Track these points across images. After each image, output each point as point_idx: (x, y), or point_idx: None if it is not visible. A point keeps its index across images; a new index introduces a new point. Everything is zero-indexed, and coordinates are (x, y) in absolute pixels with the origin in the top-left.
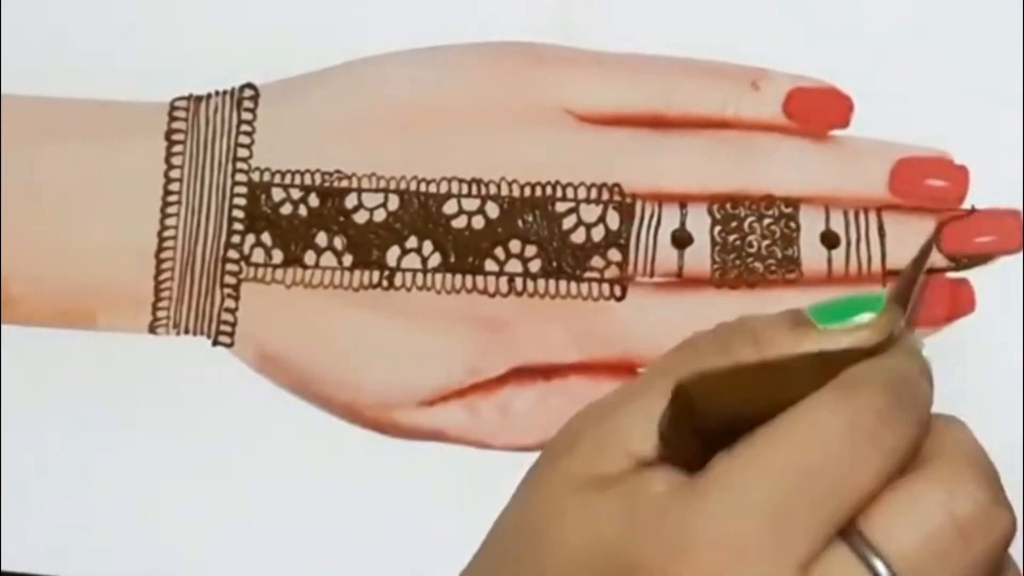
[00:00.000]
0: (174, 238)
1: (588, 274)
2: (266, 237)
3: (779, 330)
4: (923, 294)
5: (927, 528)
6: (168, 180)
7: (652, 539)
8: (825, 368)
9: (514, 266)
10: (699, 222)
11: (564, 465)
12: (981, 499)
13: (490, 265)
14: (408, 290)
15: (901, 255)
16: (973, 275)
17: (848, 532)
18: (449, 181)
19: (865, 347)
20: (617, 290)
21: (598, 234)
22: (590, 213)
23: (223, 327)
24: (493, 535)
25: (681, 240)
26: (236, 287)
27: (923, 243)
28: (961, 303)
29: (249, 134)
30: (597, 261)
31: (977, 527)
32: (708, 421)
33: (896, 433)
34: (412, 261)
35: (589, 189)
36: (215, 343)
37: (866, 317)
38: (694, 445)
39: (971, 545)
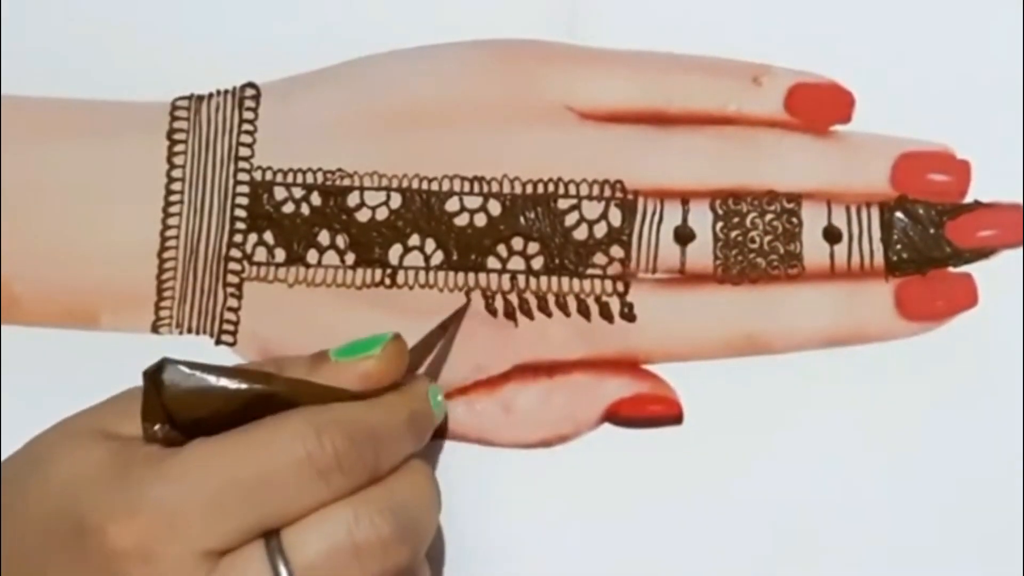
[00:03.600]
0: (176, 237)
1: (590, 271)
2: (268, 236)
3: (302, 361)
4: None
5: (329, 544)
6: (170, 180)
7: (107, 495)
8: (317, 398)
9: (516, 263)
10: (701, 218)
11: (90, 413)
12: (385, 532)
13: (492, 263)
14: (411, 288)
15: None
16: (973, 269)
17: (270, 536)
18: (451, 179)
19: (354, 389)
20: (620, 286)
21: (600, 231)
22: (592, 210)
23: (226, 326)
24: (12, 456)
25: (683, 236)
26: (239, 286)
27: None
28: (963, 297)
29: (251, 133)
30: (599, 258)
31: (373, 553)
32: (195, 413)
33: (346, 476)
34: (414, 259)
35: (591, 186)
36: (218, 342)
37: (375, 350)
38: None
39: (365, 567)
